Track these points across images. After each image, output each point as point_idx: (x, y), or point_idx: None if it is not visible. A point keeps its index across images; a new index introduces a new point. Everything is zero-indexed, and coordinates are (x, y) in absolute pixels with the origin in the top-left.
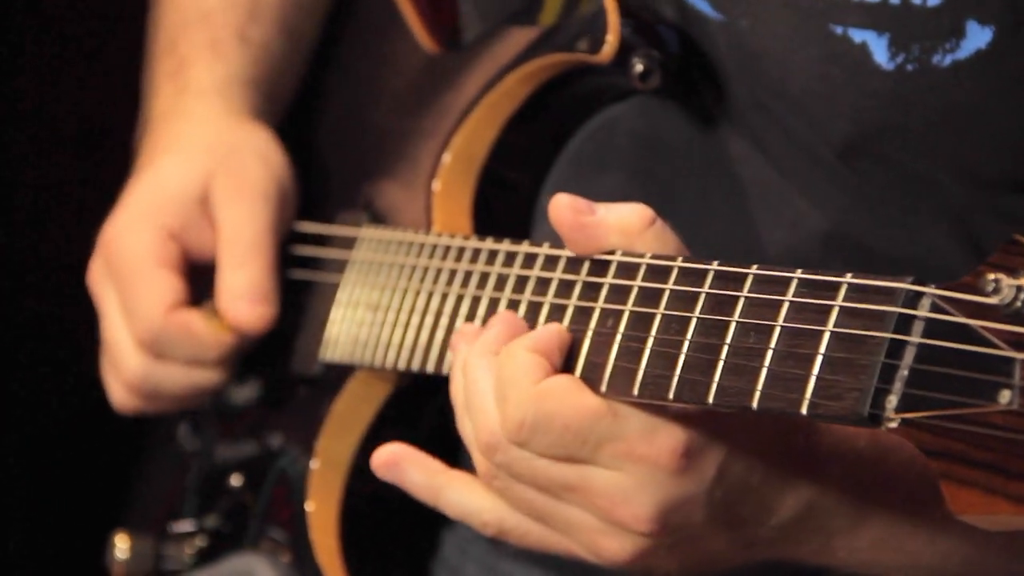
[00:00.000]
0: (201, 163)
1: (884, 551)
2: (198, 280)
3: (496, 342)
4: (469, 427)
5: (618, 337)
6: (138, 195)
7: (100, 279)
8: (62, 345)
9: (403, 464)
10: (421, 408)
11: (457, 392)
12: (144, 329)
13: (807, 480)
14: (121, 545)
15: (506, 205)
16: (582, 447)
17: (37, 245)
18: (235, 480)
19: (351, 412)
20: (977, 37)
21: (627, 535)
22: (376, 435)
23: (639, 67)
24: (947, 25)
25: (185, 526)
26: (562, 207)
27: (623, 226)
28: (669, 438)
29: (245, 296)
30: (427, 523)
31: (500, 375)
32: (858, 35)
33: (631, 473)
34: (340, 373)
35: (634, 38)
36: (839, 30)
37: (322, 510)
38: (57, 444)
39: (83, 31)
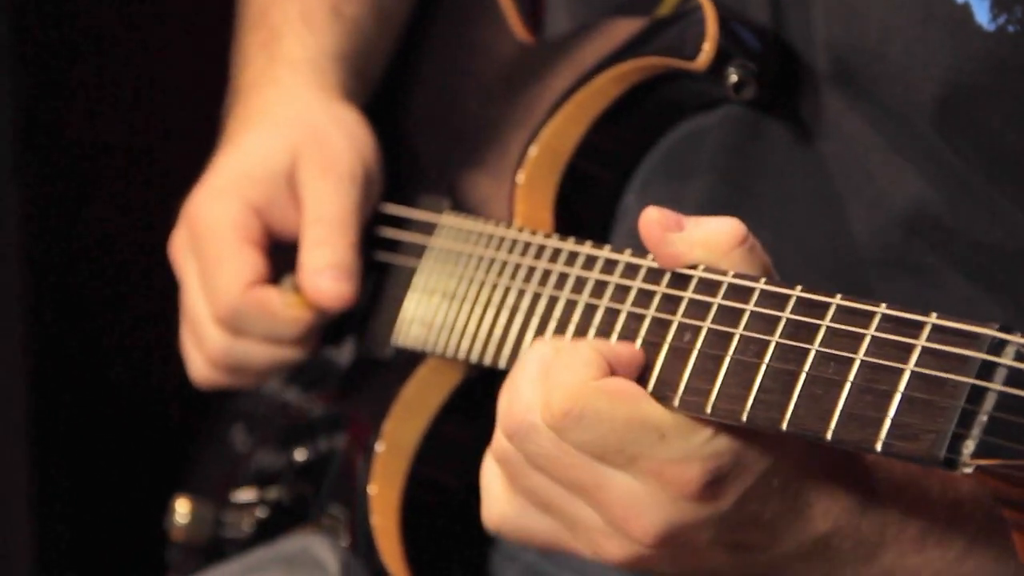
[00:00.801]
0: (289, 138)
1: None
2: (280, 257)
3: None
4: (504, 404)
5: (695, 353)
6: (225, 168)
7: (182, 250)
8: (124, 314)
9: None
10: (487, 400)
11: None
12: (223, 305)
13: (827, 514)
14: (181, 510)
15: (589, 203)
16: (618, 454)
17: (98, 223)
18: (299, 455)
19: (419, 398)
20: None
21: (630, 543)
22: (442, 422)
23: (734, 77)
24: None
25: (247, 495)
26: (651, 222)
27: (710, 243)
28: (700, 470)
29: (326, 272)
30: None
31: (557, 360)
32: None
33: (652, 490)
34: (411, 358)
35: (731, 47)
36: None
37: (384, 493)
38: (123, 406)
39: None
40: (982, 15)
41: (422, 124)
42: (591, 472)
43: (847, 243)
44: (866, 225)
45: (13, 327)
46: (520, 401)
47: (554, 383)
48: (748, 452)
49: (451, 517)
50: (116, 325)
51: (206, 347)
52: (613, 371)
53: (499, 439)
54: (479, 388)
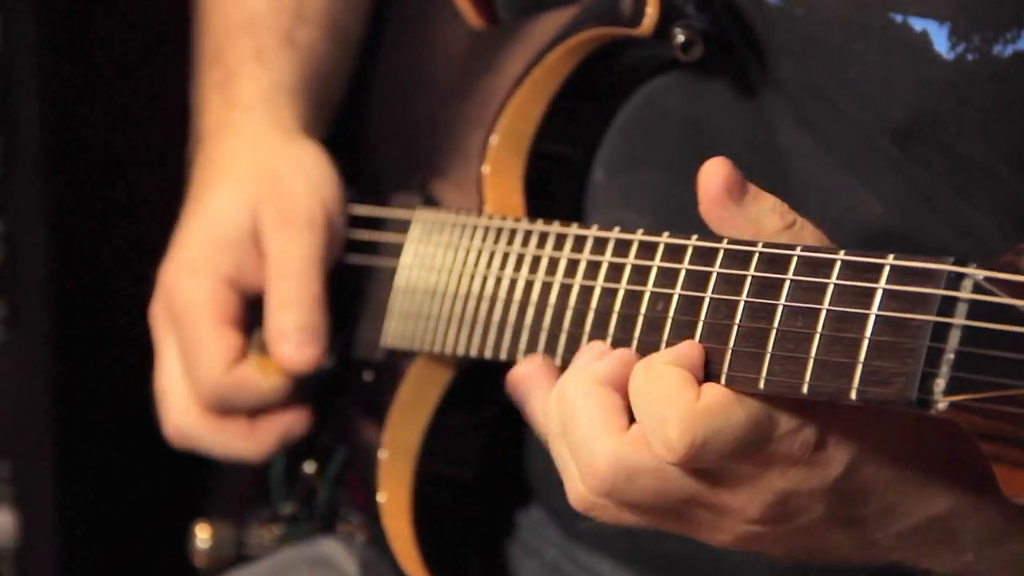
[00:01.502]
0: (248, 194)
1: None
2: (254, 309)
3: (605, 373)
4: (568, 459)
5: (669, 321)
6: (193, 237)
7: (161, 323)
8: (144, 337)
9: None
10: (486, 389)
11: (551, 419)
12: (207, 389)
13: (948, 492)
14: (202, 535)
15: (557, 183)
16: (741, 457)
17: (123, 239)
18: (308, 467)
19: (416, 397)
20: None
21: (743, 525)
22: (442, 418)
23: (680, 38)
24: (1009, 15)
25: (263, 513)
26: (715, 175)
27: (760, 223)
28: (810, 434)
29: (292, 339)
30: (502, 504)
31: (650, 395)
32: (918, 23)
33: (765, 471)
34: (403, 358)
35: (674, 8)
36: (899, 18)
37: (394, 498)
38: (136, 437)
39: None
40: (941, 44)
41: (387, 124)
42: (704, 484)
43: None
44: (831, 228)
45: (37, 338)
46: (596, 453)
47: (660, 419)
48: (853, 420)
49: (465, 512)
50: (143, 336)
51: (172, 422)
52: (697, 378)
53: (582, 493)
54: (475, 378)
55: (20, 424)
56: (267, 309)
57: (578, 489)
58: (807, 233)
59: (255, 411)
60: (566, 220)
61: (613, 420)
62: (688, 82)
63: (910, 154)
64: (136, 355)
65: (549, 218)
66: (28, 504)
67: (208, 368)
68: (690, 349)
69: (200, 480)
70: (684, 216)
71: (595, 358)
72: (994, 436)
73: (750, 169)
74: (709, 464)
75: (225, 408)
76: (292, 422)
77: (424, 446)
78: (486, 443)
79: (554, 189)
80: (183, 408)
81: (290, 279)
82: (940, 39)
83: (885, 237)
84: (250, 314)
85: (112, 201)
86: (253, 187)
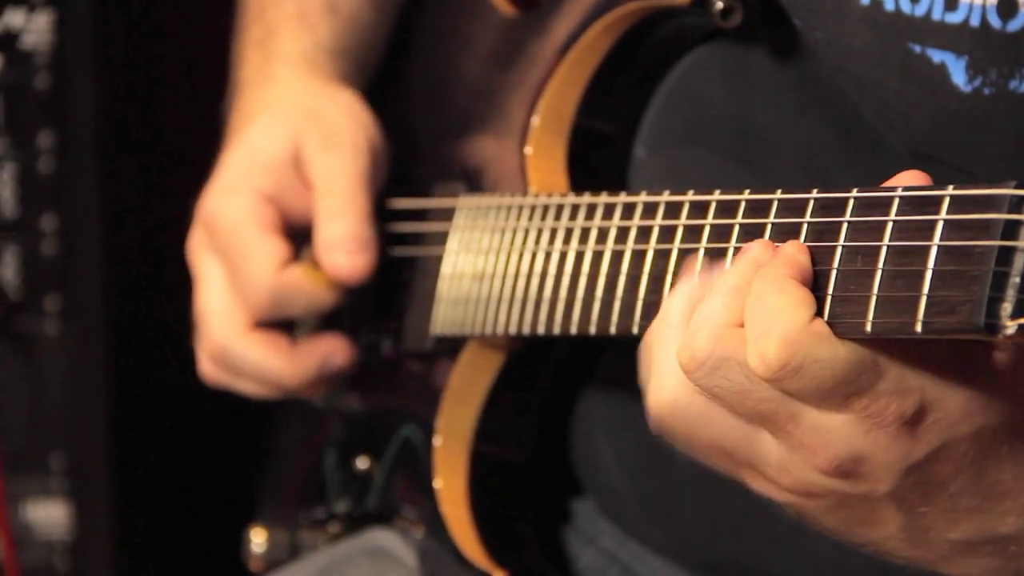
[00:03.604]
0: (290, 123)
1: None
2: (297, 241)
3: (751, 266)
4: (665, 355)
5: None
6: (232, 164)
7: (201, 250)
8: (192, 339)
9: None
10: (537, 371)
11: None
12: (259, 293)
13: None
14: (257, 539)
15: (600, 161)
16: (832, 396)
17: (176, 233)
18: (361, 463)
19: (468, 383)
20: None
21: (808, 472)
22: (495, 402)
23: (719, 4)
24: None
25: (317, 513)
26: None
27: None
28: (910, 403)
29: (342, 247)
30: (557, 491)
31: (761, 306)
32: (937, 55)
33: (849, 420)
34: (453, 345)
35: None
36: (917, 49)
37: (450, 484)
38: (191, 431)
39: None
40: (958, 76)
41: (424, 116)
42: (787, 406)
43: None
44: None
45: (92, 337)
46: (706, 328)
47: (766, 333)
48: (954, 398)
49: (521, 496)
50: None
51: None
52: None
53: (664, 392)
54: (526, 361)
55: (75, 417)
56: (316, 224)
57: (660, 391)
58: None
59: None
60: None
61: (733, 317)
62: (726, 54)
63: (930, 171)
64: (191, 348)
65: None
66: (83, 497)
67: (258, 271)
68: (803, 256)
69: (254, 476)
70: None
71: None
72: None
73: (782, 167)
74: (796, 392)
75: (276, 313)
76: (333, 350)
77: (478, 431)
78: (539, 428)
79: (597, 167)
80: (225, 322)
81: (338, 194)
82: (958, 72)
83: None
84: (294, 241)
85: (165, 194)
86: (293, 118)
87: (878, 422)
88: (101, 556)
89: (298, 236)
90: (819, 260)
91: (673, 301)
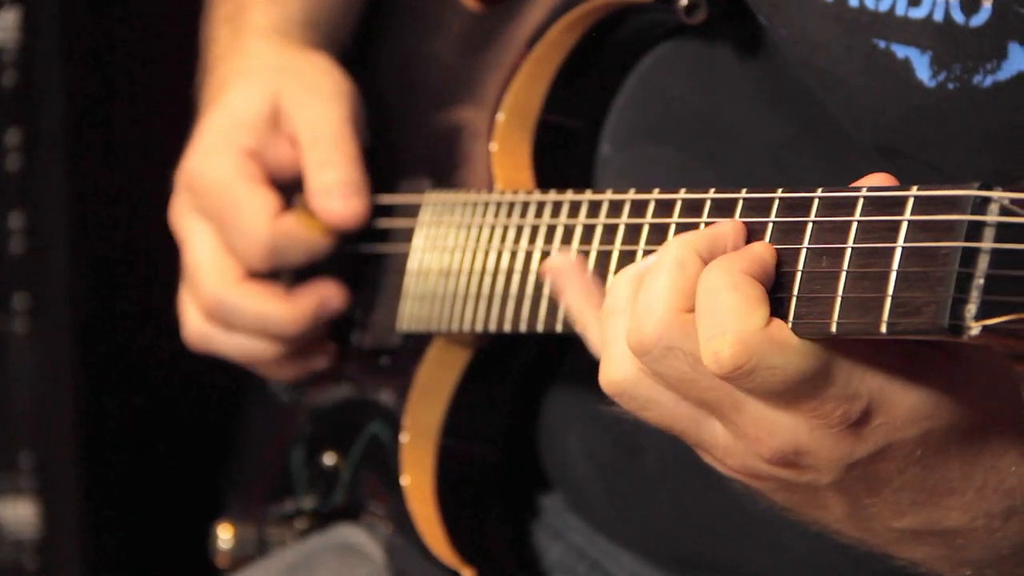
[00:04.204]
0: (267, 82)
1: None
2: (283, 195)
3: (705, 243)
4: (613, 337)
5: None
6: (210, 127)
7: (186, 212)
8: (167, 328)
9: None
10: (505, 367)
11: (638, 264)
12: (255, 245)
13: (966, 511)
14: (224, 535)
15: (565, 158)
16: (779, 397)
17: (146, 231)
18: (328, 459)
19: (435, 379)
20: (1019, 60)
21: (753, 458)
22: (462, 398)
23: (684, 0)
24: (989, 46)
25: (285, 509)
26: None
27: None
28: (856, 408)
29: (336, 191)
30: (526, 486)
31: (721, 301)
32: (901, 51)
33: (793, 415)
34: (420, 341)
35: None
36: (882, 44)
37: (417, 481)
38: (159, 429)
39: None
40: (923, 71)
41: (389, 111)
42: (731, 395)
43: None
44: None
45: (60, 332)
46: (654, 312)
47: (720, 329)
48: (903, 403)
49: (489, 492)
50: (167, 327)
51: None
52: (767, 291)
53: (615, 364)
54: (493, 357)
55: (43, 415)
56: (306, 174)
57: (609, 371)
58: None
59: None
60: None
61: (681, 301)
62: (691, 51)
63: (896, 167)
64: (159, 346)
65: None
66: (51, 496)
67: (253, 222)
68: (767, 255)
69: (222, 473)
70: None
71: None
72: None
73: (750, 169)
74: (747, 390)
75: (272, 262)
76: (329, 294)
77: (445, 427)
78: (507, 424)
79: (562, 164)
80: (219, 277)
81: (325, 142)
82: (922, 67)
83: None
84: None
85: (134, 192)
86: (270, 78)
87: (824, 423)
88: (70, 554)
89: (283, 191)
90: (785, 261)
91: (620, 280)
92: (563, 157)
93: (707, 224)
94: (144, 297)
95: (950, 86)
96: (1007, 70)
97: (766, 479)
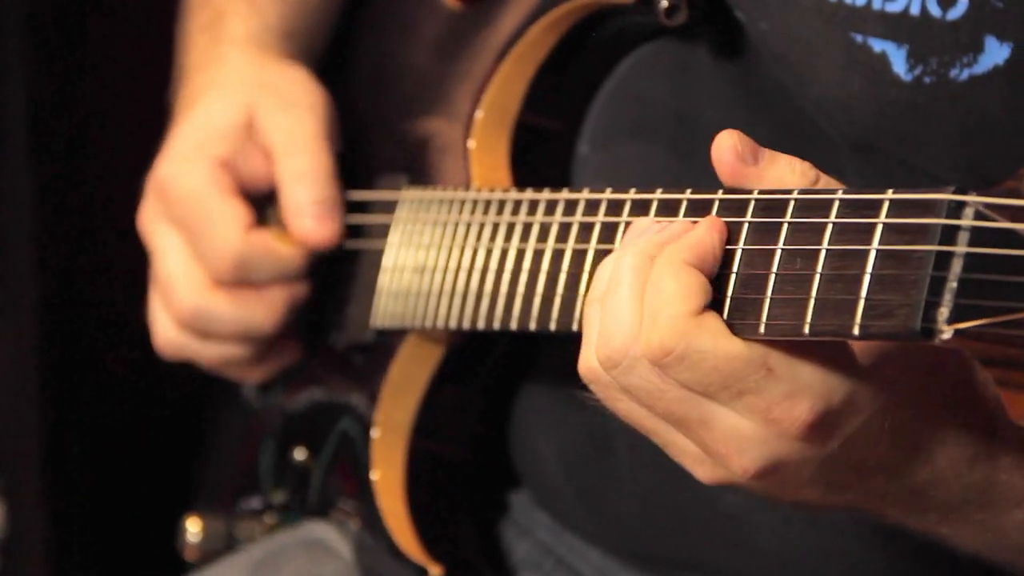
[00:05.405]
0: (242, 93)
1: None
2: (255, 206)
3: (657, 247)
4: (595, 324)
5: None
6: (183, 134)
7: (156, 219)
8: (133, 326)
9: None
10: (477, 365)
11: (599, 282)
12: (225, 258)
13: (933, 463)
14: (193, 528)
15: (543, 157)
16: (723, 391)
17: (110, 230)
18: (299, 454)
19: (407, 376)
20: (995, 53)
21: (726, 472)
22: (434, 395)
23: (664, 2)
24: (966, 40)
25: (254, 503)
26: (724, 148)
27: (784, 182)
28: (809, 407)
29: (310, 211)
30: (494, 483)
31: (656, 289)
32: (878, 45)
33: (758, 427)
34: (393, 338)
35: None
36: (859, 38)
37: (387, 476)
38: (125, 426)
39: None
40: (899, 65)
41: (369, 107)
42: (697, 409)
43: None
44: None
45: (24, 329)
46: (621, 326)
47: (654, 317)
48: (861, 391)
49: (458, 490)
50: (132, 326)
51: (178, 306)
52: (709, 279)
53: (590, 360)
54: (466, 355)
55: (7, 414)
56: (280, 185)
57: (590, 357)
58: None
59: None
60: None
61: (638, 297)
62: (670, 52)
63: (871, 165)
64: (125, 344)
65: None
66: (16, 495)
67: (224, 235)
68: (709, 237)
69: (191, 470)
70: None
71: (654, 231)
72: (1000, 362)
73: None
74: (686, 382)
75: (241, 276)
76: (300, 290)
77: (416, 424)
78: (477, 423)
79: (540, 163)
80: (192, 285)
81: (301, 154)
82: (899, 61)
83: None
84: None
85: (99, 191)
86: (245, 89)
87: (788, 430)
88: (35, 554)
89: (256, 202)
90: (758, 263)
91: (602, 271)
92: (541, 156)
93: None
94: (110, 295)
95: (927, 80)
96: (983, 63)
97: (742, 486)
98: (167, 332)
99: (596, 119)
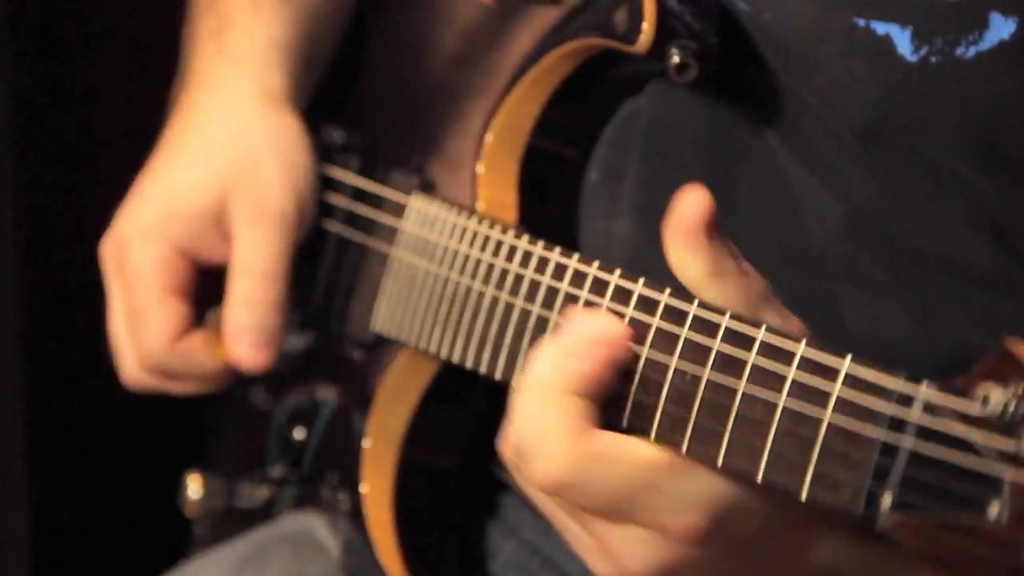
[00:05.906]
0: (220, 172)
1: None
2: (207, 282)
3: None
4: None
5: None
6: (153, 197)
7: (111, 267)
8: (107, 334)
9: None
10: (472, 382)
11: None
12: (149, 357)
13: (834, 543)
14: (193, 485)
15: (552, 182)
16: (613, 512)
17: (82, 248)
18: (298, 434)
19: (402, 385)
20: (1000, 28)
21: (618, 570)
22: (428, 408)
23: (675, 59)
24: (970, 17)
25: (255, 475)
26: (695, 205)
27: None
28: (701, 517)
29: (247, 338)
30: (484, 486)
31: (544, 421)
32: (881, 27)
33: (652, 535)
34: (392, 344)
35: (671, 28)
36: (862, 23)
37: (376, 487)
38: (104, 440)
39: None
40: (904, 46)
41: (392, 92)
42: (590, 523)
43: (803, 247)
44: (818, 235)
45: (8, 318)
46: (520, 432)
47: (540, 453)
48: (753, 497)
49: (447, 499)
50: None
51: (128, 376)
52: (599, 394)
53: (505, 440)
54: (462, 371)
55: None
56: (227, 301)
57: (506, 436)
58: (756, 285)
59: None
60: (558, 228)
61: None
62: (685, 86)
63: (875, 155)
64: (107, 345)
65: (542, 217)
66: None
67: (151, 338)
68: (602, 364)
69: (194, 440)
70: None
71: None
72: (935, 558)
73: (732, 178)
74: (585, 504)
75: (162, 374)
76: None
77: (409, 435)
78: (471, 431)
79: (548, 189)
80: (130, 364)
81: (255, 277)
82: (903, 42)
83: (864, 238)
84: (209, 284)
85: (81, 201)
86: (226, 165)
87: (683, 538)
88: (17, 555)
89: (211, 277)
90: (723, 393)
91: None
92: (549, 182)
93: (658, 329)
94: (91, 300)
95: (933, 60)
96: (989, 39)
97: None
98: (131, 370)
99: (607, 147)
